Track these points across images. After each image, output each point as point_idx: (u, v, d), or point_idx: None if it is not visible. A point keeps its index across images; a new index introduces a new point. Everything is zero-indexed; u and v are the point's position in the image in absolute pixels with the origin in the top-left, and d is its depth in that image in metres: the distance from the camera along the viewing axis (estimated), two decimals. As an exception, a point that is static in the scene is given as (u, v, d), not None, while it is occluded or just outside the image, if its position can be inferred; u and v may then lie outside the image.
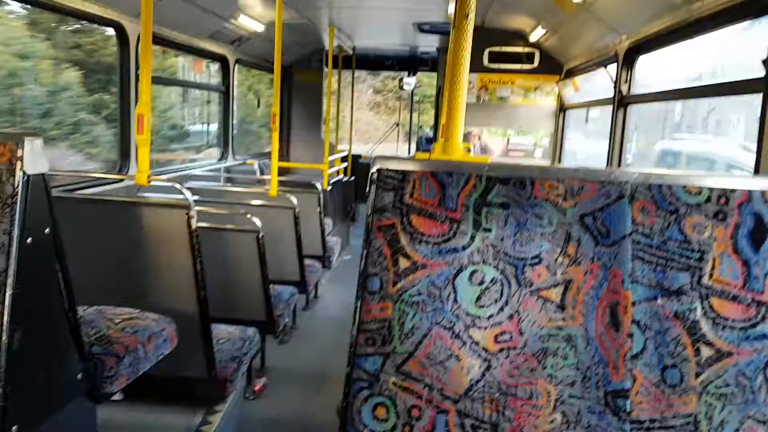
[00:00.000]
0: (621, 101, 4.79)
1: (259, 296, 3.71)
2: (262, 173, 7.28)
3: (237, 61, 7.31)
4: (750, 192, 1.45)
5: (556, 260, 1.46)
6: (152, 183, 3.02)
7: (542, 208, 1.47)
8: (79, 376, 2.02)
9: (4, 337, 1.62)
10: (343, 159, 9.11)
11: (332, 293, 6.46)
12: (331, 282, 6.82)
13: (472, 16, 1.72)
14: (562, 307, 1.45)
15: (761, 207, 1.45)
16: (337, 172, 8.52)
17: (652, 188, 1.46)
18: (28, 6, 5.54)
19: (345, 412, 1.47)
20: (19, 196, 1.64)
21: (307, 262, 4.93)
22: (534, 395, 1.44)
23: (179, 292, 2.78)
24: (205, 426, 2.91)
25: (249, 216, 3.60)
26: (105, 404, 2.26)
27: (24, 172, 1.65)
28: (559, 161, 7.04)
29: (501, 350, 1.45)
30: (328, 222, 6.60)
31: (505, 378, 1.45)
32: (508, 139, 7.17)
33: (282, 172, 7.46)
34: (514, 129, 7.15)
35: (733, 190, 1.45)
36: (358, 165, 9.61)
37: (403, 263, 1.48)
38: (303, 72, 9.53)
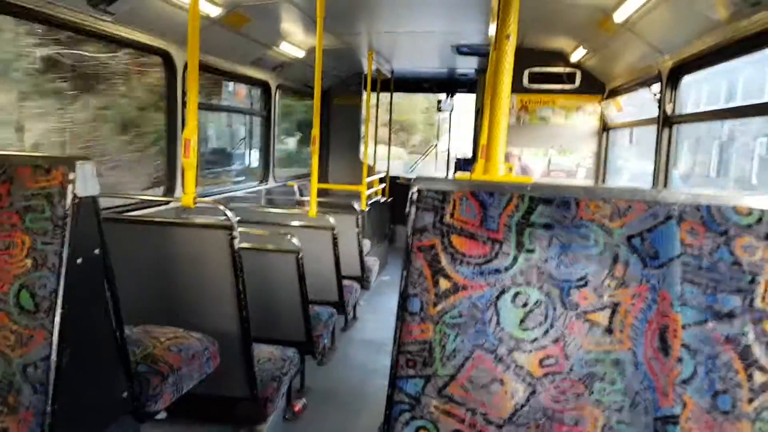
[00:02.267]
0: (666, 121, 4.69)
1: (298, 316, 3.73)
2: (301, 195, 7.37)
3: (278, 87, 7.46)
4: None
5: (602, 282, 1.43)
6: (197, 205, 3.08)
7: (587, 229, 1.44)
8: (125, 394, 2.05)
9: (53, 356, 1.66)
10: (381, 180, 9.16)
11: (370, 314, 6.45)
12: (369, 303, 6.82)
13: (513, 37, 1.72)
14: (609, 330, 1.42)
15: None
16: (375, 194, 8.56)
17: (700, 209, 1.42)
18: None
19: None
20: (69, 218, 1.69)
21: (345, 282, 4.94)
22: (580, 421, 1.41)
23: (222, 311, 2.82)
24: None
25: (289, 237, 3.64)
26: (147, 422, 2.29)
27: (75, 195, 1.70)
28: (603, 181, 6.92)
29: (546, 375, 1.42)
30: (367, 243, 6.62)
31: (550, 403, 1.42)
32: (549, 160, 7.10)
33: (321, 193, 7.55)
34: (555, 149, 7.08)
35: None
36: (396, 186, 9.65)
37: (444, 284, 1.47)
38: (342, 95, 9.67)
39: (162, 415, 2.92)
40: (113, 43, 4.47)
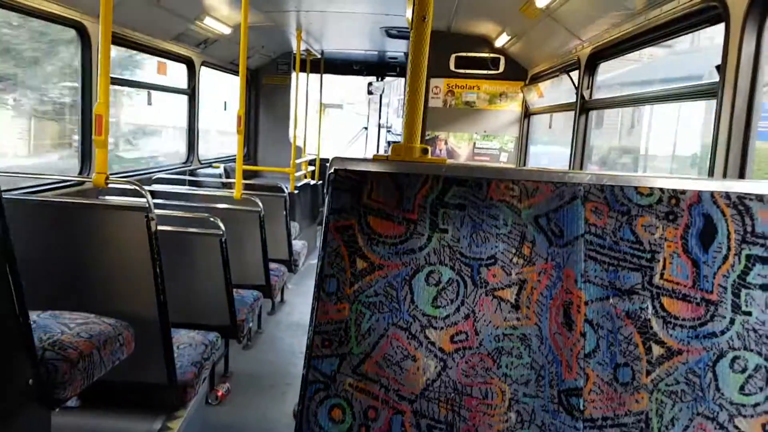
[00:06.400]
0: (583, 106, 4.87)
1: (222, 300, 3.66)
2: (227, 176, 7.20)
3: (203, 64, 7.23)
4: (700, 193, 1.49)
5: (511, 261, 1.48)
6: (115, 185, 2.96)
7: (498, 209, 1.48)
8: (30, 381, 1.96)
9: None
10: (311, 162, 9.08)
11: (298, 297, 6.42)
12: (297, 286, 6.78)
13: (429, 18, 1.73)
14: (516, 306, 1.47)
15: (711, 208, 1.48)
16: (305, 176, 8.48)
17: (604, 189, 1.49)
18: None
19: (301, 414, 1.46)
20: None
21: (272, 266, 4.88)
22: (489, 395, 1.45)
23: (138, 296, 2.73)
24: None
25: (212, 219, 3.55)
26: (61, 410, 2.19)
27: None
28: (524, 165, 7.13)
29: (457, 350, 1.46)
30: (295, 226, 6.56)
31: (460, 378, 1.45)
32: (474, 144, 7.24)
33: (249, 176, 7.40)
34: (479, 133, 7.22)
35: (683, 192, 1.49)
36: (326, 169, 9.59)
37: (361, 264, 1.48)
38: (270, 75, 9.48)
39: (75, 403, 2.82)
40: (22, 13, 4.17)
